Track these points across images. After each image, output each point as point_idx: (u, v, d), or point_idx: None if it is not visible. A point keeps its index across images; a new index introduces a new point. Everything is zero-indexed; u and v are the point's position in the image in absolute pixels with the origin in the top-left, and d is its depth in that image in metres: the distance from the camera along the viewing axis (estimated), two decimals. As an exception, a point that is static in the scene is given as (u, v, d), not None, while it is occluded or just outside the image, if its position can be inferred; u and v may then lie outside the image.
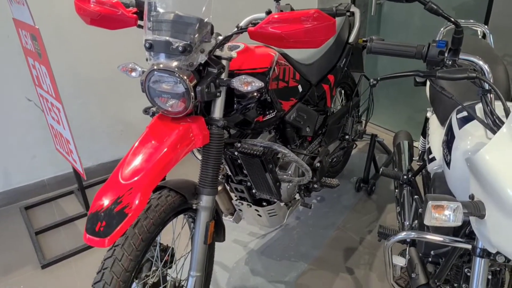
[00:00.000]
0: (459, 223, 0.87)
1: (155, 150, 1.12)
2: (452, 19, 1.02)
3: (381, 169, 1.82)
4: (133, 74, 1.29)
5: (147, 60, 1.18)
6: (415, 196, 1.64)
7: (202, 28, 1.15)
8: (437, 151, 1.44)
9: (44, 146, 2.49)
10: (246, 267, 1.96)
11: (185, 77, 1.13)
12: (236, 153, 1.48)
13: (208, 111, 1.28)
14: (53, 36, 2.28)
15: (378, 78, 1.04)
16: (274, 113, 1.56)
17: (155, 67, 1.15)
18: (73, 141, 1.97)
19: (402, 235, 1.19)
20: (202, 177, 1.27)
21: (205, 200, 1.27)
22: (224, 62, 1.25)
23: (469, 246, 1.05)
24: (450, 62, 0.99)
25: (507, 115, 0.95)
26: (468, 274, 1.15)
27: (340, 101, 2.44)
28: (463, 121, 1.16)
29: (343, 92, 2.43)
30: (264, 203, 1.72)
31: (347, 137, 2.30)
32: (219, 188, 1.66)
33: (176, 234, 1.41)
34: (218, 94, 1.24)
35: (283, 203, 1.77)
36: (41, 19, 2.08)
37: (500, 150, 0.86)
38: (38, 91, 2.16)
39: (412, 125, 3.01)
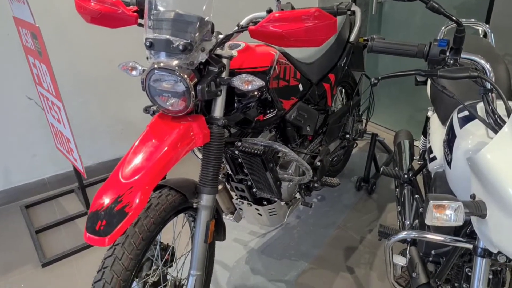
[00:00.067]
0: (460, 223, 0.87)
1: (155, 149, 1.12)
2: (454, 18, 1.01)
3: (381, 168, 1.82)
4: (134, 72, 1.28)
5: (147, 58, 1.18)
6: (416, 196, 1.63)
7: (203, 27, 1.14)
8: (438, 150, 1.43)
9: (45, 145, 2.49)
10: (247, 266, 1.96)
11: (185, 76, 1.13)
12: (236, 152, 1.48)
13: (209, 110, 1.28)
14: (53, 34, 2.28)
15: (379, 77, 1.04)
16: (275, 112, 1.56)
17: (156, 66, 1.14)
18: (73, 140, 1.96)
19: (403, 234, 1.19)
20: (203, 176, 1.27)
21: (205, 199, 1.27)
22: (224, 61, 1.25)
23: (470, 246, 1.04)
24: (451, 61, 0.98)
25: (508, 114, 0.95)
26: (469, 273, 1.15)
27: (341, 100, 2.44)
28: (464, 120, 1.16)
29: (343, 91, 2.42)
30: (265, 202, 1.71)
31: (347, 136, 2.30)
32: (220, 187, 1.66)
33: (177, 233, 1.41)
34: (218, 93, 1.24)
35: (284, 202, 1.77)
36: (42, 17, 2.08)
37: (502, 149, 0.86)
38: (39, 89, 2.16)
39: (413, 124, 3.00)
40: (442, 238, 1.10)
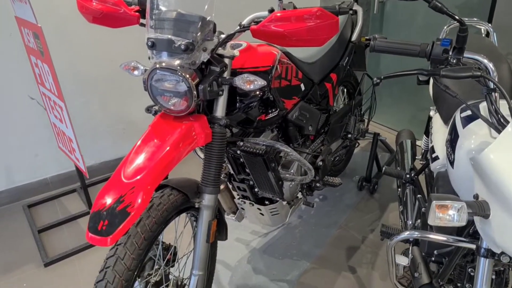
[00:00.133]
0: (464, 223, 0.87)
1: (157, 148, 1.12)
2: (457, 17, 1.01)
3: (383, 168, 1.81)
4: (136, 72, 1.29)
5: (149, 58, 1.18)
6: (418, 195, 1.63)
7: (205, 27, 1.14)
8: (440, 150, 1.43)
9: (47, 145, 2.49)
10: (248, 265, 1.96)
11: (187, 76, 1.13)
12: (238, 152, 1.48)
13: (211, 110, 1.28)
14: (54, 34, 2.28)
15: (382, 77, 1.04)
16: (277, 111, 1.55)
17: (158, 66, 1.14)
18: (75, 140, 1.97)
19: (405, 234, 1.18)
20: (205, 176, 1.27)
21: (207, 199, 1.27)
22: (226, 60, 1.24)
23: (473, 246, 1.04)
24: (454, 61, 0.98)
25: (512, 114, 0.95)
26: (472, 273, 1.15)
27: (343, 100, 2.43)
28: (467, 120, 1.16)
29: (345, 90, 2.42)
30: (267, 202, 1.71)
31: (349, 136, 2.29)
32: (222, 186, 1.66)
33: (179, 232, 1.41)
34: (220, 92, 1.24)
35: (286, 202, 1.77)
36: (43, 17, 2.08)
37: (505, 149, 0.85)
38: (41, 89, 2.16)
39: (415, 124, 3.00)
40: (444, 238, 1.10)
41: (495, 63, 1.08)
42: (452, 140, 1.19)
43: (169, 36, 1.13)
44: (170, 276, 1.38)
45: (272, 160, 1.49)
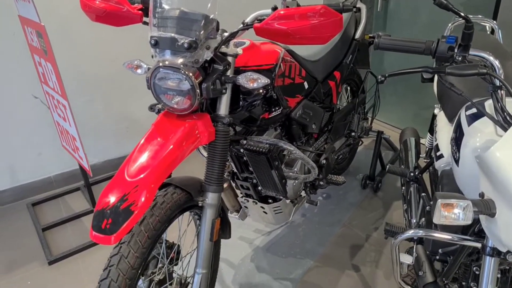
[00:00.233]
0: (469, 222, 0.86)
1: (160, 147, 1.11)
2: (462, 14, 1.00)
3: (387, 166, 1.81)
4: (139, 71, 1.28)
5: (152, 57, 1.18)
6: (422, 194, 1.62)
7: (208, 25, 1.14)
8: (445, 148, 1.42)
9: (51, 143, 2.50)
10: (252, 264, 1.96)
11: (190, 74, 1.13)
12: (242, 150, 1.48)
13: (214, 108, 1.27)
14: (58, 33, 2.28)
15: (387, 75, 1.03)
16: (280, 110, 1.55)
17: (161, 64, 1.14)
18: (79, 138, 1.97)
19: (410, 233, 1.18)
20: (208, 174, 1.26)
21: (211, 197, 1.26)
22: (229, 59, 1.24)
23: (478, 245, 1.03)
24: (460, 58, 0.97)
25: (518, 111, 0.94)
26: (477, 272, 1.14)
27: (346, 98, 2.42)
28: (473, 118, 1.15)
29: (349, 89, 2.41)
30: (270, 200, 1.71)
31: (353, 134, 2.28)
32: (225, 185, 1.66)
33: (182, 231, 1.41)
34: (223, 91, 1.24)
35: (289, 200, 1.77)
36: (46, 16, 2.08)
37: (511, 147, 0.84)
38: (44, 88, 2.17)
39: (419, 122, 2.98)
40: (450, 237, 1.09)
41: (500, 60, 1.07)
42: (457, 138, 1.18)
43: (172, 35, 1.12)
44: (174, 275, 1.39)
45: (276, 158, 1.49)
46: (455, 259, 1.18)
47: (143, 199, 1.02)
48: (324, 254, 2.01)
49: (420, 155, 1.95)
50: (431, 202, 0.90)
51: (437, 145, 1.51)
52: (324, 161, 1.83)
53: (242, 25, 1.25)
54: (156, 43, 1.14)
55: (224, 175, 1.33)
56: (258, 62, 1.39)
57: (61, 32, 2.30)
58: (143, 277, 1.25)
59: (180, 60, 1.13)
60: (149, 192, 1.04)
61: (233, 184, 1.74)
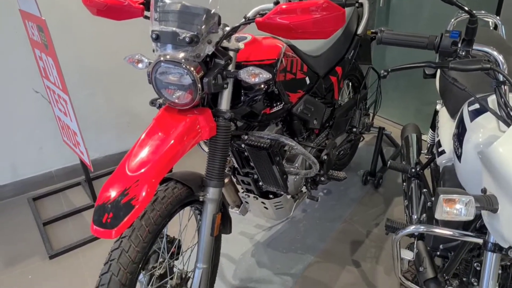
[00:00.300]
0: (471, 217, 0.86)
1: (161, 142, 1.11)
2: (466, 8, 0.99)
3: (389, 162, 1.80)
4: (140, 65, 1.28)
5: (153, 51, 1.17)
6: (424, 190, 1.62)
7: (209, 19, 1.13)
8: (447, 144, 1.42)
9: (52, 138, 2.50)
10: (252, 259, 1.96)
11: (192, 69, 1.12)
12: (243, 145, 1.47)
13: (215, 103, 1.27)
14: (59, 27, 2.27)
15: (389, 69, 1.02)
16: (281, 105, 1.54)
17: (162, 58, 1.13)
18: (80, 133, 1.97)
19: (411, 228, 1.17)
20: (209, 169, 1.26)
21: (211, 192, 1.26)
22: (231, 53, 1.23)
23: (480, 241, 1.03)
24: (463, 53, 0.96)
25: (521, 107, 0.93)
26: (478, 268, 1.14)
27: (348, 93, 2.42)
28: (475, 114, 1.14)
29: (350, 84, 2.40)
30: (271, 196, 1.71)
31: (354, 129, 2.28)
32: (226, 180, 1.66)
33: (183, 226, 1.41)
34: (225, 85, 1.23)
35: (290, 196, 1.77)
36: (47, 10, 2.07)
37: (514, 143, 0.84)
38: (45, 82, 2.16)
39: (420, 118, 2.97)
40: (451, 233, 1.09)
41: (504, 55, 1.06)
42: (460, 134, 1.17)
43: (174, 29, 1.12)
44: (174, 269, 1.39)
45: (277, 153, 1.49)
46: (456, 255, 1.18)
47: (144, 193, 1.02)
48: (325, 249, 2.01)
49: (422, 151, 1.95)
50: (433, 198, 0.90)
51: (439, 141, 1.50)
52: (325, 157, 1.83)
53: (244, 20, 1.25)
54: (157, 37, 1.14)
55: (225, 170, 1.32)
56: (260, 57, 1.39)
57: (62, 26, 2.29)
58: (143, 272, 1.25)
59: (182, 55, 1.12)
60: (150, 186, 1.04)
61: (234, 179, 1.74)
